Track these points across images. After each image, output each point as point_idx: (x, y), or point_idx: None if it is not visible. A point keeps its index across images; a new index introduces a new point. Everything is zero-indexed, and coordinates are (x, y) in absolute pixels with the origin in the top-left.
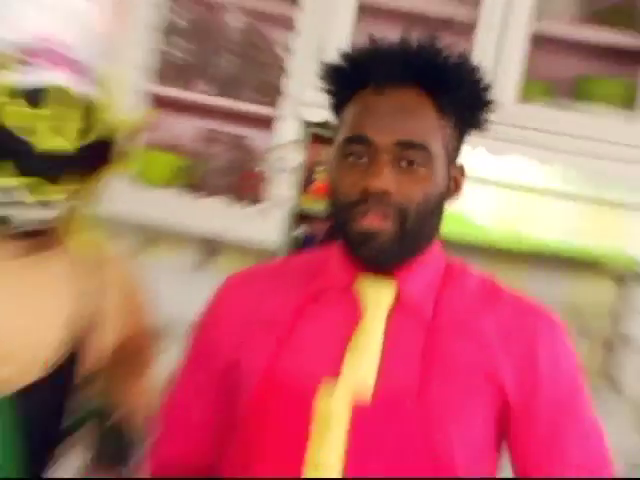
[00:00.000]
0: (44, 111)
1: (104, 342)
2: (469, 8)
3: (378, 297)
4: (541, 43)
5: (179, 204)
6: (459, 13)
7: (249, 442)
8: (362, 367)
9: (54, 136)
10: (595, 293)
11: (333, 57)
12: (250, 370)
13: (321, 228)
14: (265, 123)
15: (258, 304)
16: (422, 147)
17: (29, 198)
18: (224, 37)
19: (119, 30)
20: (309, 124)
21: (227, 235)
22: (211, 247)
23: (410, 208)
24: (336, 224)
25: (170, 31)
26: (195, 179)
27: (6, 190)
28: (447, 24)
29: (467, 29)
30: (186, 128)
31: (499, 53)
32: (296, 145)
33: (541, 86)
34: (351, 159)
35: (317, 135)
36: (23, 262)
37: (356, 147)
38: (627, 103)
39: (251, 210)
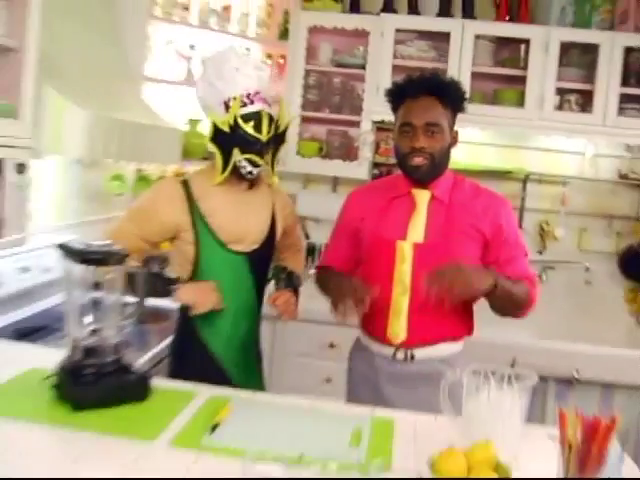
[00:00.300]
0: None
1: (280, 227)
2: (443, 62)
3: (422, 196)
4: (476, 76)
5: (318, 164)
6: (440, 66)
7: (368, 265)
8: (417, 229)
9: (261, 134)
10: (512, 188)
11: (389, 87)
12: (366, 231)
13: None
14: (356, 124)
15: (367, 201)
16: (437, 124)
17: (250, 163)
18: (332, 88)
19: (286, 85)
20: (374, 122)
21: (343, 175)
22: (336, 183)
23: (435, 153)
24: (399, 163)
25: (307, 85)
26: (326, 152)
27: (247, 160)
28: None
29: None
30: (320, 129)
31: (464, 80)
32: (370, 132)
33: (480, 95)
34: (404, 133)
35: (379, 127)
36: (250, 192)
37: (406, 127)
38: (519, 101)
39: (353, 163)
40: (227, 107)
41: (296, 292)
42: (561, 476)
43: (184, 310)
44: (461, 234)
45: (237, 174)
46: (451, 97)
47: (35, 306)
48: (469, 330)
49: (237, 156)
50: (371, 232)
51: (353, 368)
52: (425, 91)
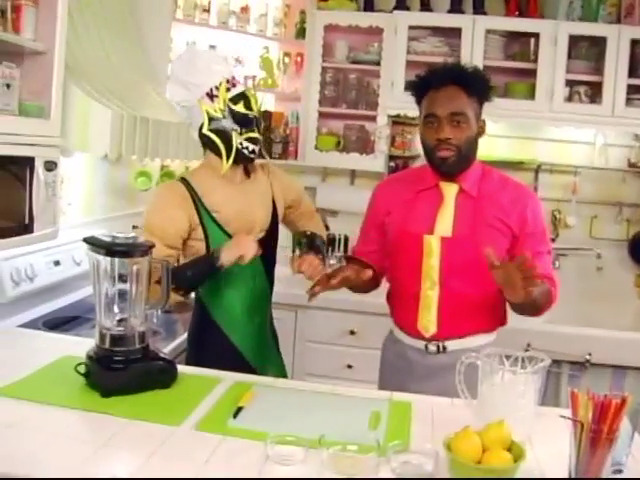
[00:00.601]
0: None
1: (281, 208)
2: (455, 57)
3: (450, 189)
4: (487, 70)
5: (335, 157)
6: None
7: (395, 259)
8: (445, 223)
9: (252, 111)
10: (524, 178)
11: (411, 79)
12: (392, 224)
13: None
14: (372, 118)
15: (393, 193)
16: (462, 114)
17: (250, 142)
18: (348, 84)
19: (304, 82)
20: (390, 116)
21: (360, 168)
22: (353, 176)
23: (461, 144)
24: (426, 156)
25: (324, 82)
26: (343, 146)
27: (247, 139)
28: None
29: None
30: (337, 124)
31: None
32: (385, 126)
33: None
34: (429, 125)
35: (394, 121)
36: (249, 182)
37: (431, 119)
38: (530, 93)
39: (369, 157)
40: (211, 97)
41: (318, 251)
42: (573, 455)
43: (199, 298)
44: (489, 228)
45: (239, 160)
46: (475, 86)
47: (66, 298)
48: (502, 320)
49: (237, 139)
50: (398, 226)
51: (385, 359)
52: (448, 81)
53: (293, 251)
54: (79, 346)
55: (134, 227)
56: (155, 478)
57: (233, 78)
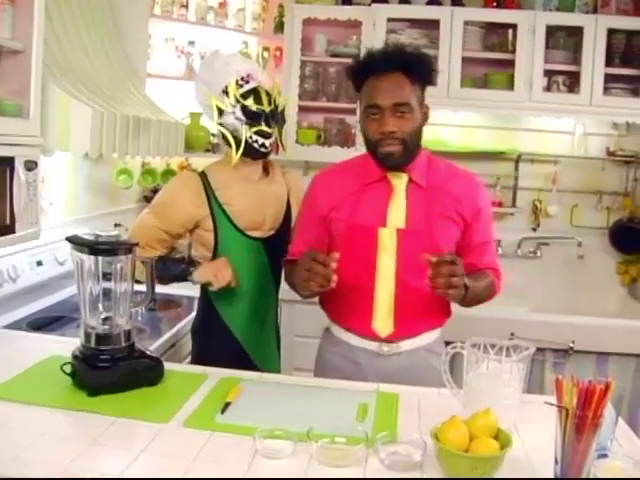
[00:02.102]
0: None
1: (295, 212)
2: (434, 48)
3: (399, 180)
4: (466, 61)
5: (317, 151)
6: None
7: (343, 256)
8: (397, 215)
9: (262, 105)
10: (505, 168)
11: (349, 64)
12: (339, 220)
13: None
14: (352, 111)
15: (335, 187)
16: (406, 104)
17: (260, 135)
18: (328, 77)
19: (284, 76)
20: None
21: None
22: None
23: (406, 137)
24: (369, 149)
25: (304, 75)
26: (324, 139)
27: (257, 133)
28: None
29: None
30: (317, 117)
31: (454, 66)
32: None
33: (470, 79)
34: (371, 116)
35: None
36: (266, 181)
37: (372, 110)
38: (509, 84)
39: (351, 150)
40: (226, 94)
41: None
42: (559, 441)
43: (205, 291)
44: (443, 218)
45: (251, 154)
46: (419, 71)
47: (50, 298)
48: (448, 314)
49: (247, 132)
50: (345, 220)
51: (325, 362)
52: (390, 67)
53: None
54: (65, 346)
55: (116, 225)
56: (146, 478)
57: (248, 75)
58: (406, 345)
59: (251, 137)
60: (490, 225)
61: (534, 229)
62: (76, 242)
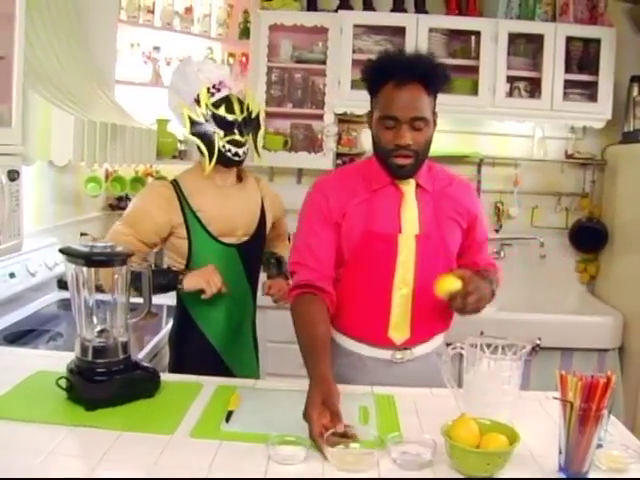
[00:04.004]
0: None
1: (269, 220)
2: None
3: (408, 186)
4: None
5: (284, 157)
6: None
7: (358, 265)
8: (411, 221)
9: (234, 114)
10: (468, 171)
11: (366, 65)
12: (352, 227)
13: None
14: (318, 117)
15: (343, 193)
16: (423, 118)
17: (233, 144)
18: (294, 83)
19: (250, 82)
20: (337, 114)
21: (308, 166)
22: (300, 174)
23: (420, 149)
24: (380, 157)
25: (270, 81)
26: (291, 145)
27: (229, 142)
28: None
29: None
30: (284, 123)
31: None
32: (333, 125)
33: None
34: (386, 126)
35: (340, 119)
36: (238, 187)
37: (389, 121)
38: (473, 89)
39: (318, 155)
40: (198, 102)
41: (286, 276)
42: (564, 434)
43: (181, 299)
44: (450, 221)
45: (224, 163)
46: (437, 83)
47: (21, 311)
48: (452, 317)
49: (220, 141)
50: (359, 227)
51: (341, 379)
52: (411, 77)
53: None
54: (50, 360)
55: (82, 234)
56: (166, 478)
57: (220, 83)
58: (419, 350)
59: (224, 146)
60: (485, 223)
61: (497, 230)
62: (71, 253)
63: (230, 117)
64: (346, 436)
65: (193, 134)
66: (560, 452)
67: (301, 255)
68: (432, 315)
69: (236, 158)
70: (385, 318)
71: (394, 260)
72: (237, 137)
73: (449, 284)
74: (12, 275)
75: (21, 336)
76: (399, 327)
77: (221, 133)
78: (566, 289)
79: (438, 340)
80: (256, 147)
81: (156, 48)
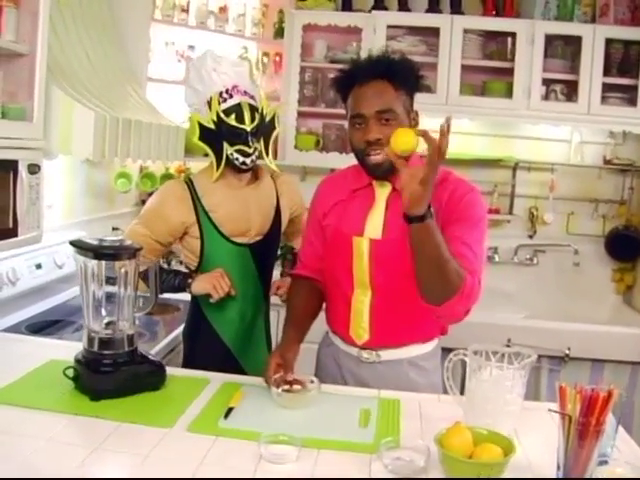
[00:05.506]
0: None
1: (285, 217)
2: (433, 56)
3: (382, 190)
4: (465, 69)
5: (316, 157)
6: (430, 60)
7: (329, 262)
8: (375, 225)
9: (244, 124)
10: (502, 176)
11: (334, 76)
12: (328, 226)
13: None
14: None
15: (331, 193)
16: (390, 110)
17: (240, 154)
18: (327, 83)
19: (283, 82)
20: None
21: (340, 167)
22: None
23: None
24: (358, 159)
25: (303, 81)
26: (322, 145)
27: (237, 151)
28: None
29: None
30: (316, 123)
31: (453, 73)
32: None
33: (469, 87)
34: (356, 126)
35: None
36: (252, 187)
37: (357, 119)
38: (507, 92)
39: (349, 155)
40: (210, 106)
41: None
42: (562, 448)
43: (195, 299)
44: None
45: (233, 167)
46: (403, 77)
47: (49, 301)
48: (442, 330)
49: (227, 150)
50: (333, 227)
51: (319, 361)
52: (372, 75)
53: (277, 258)
54: (64, 350)
55: (114, 229)
56: (155, 478)
57: (233, 88)
58: (386, 355)
59: (232, 154)
60: (471, 228)
61: (530, 236)
62: (80, 246)
63: (240, 127)
64: (294, 384)
65: (202, 140)
66: (558, 467)
67: (301, 251)
68: (395, 320)
69: (243, 167)
70: (347, 317)
71: (351, 262)
72: (245, 147)
73: (404, 142)
74: (38, 266)
75: (47, 326)
76: (357, 328)
77: (230, 141)
78: (600, 299)
79: (414, 350)
80: (267, 152)
81: (191, 47)
